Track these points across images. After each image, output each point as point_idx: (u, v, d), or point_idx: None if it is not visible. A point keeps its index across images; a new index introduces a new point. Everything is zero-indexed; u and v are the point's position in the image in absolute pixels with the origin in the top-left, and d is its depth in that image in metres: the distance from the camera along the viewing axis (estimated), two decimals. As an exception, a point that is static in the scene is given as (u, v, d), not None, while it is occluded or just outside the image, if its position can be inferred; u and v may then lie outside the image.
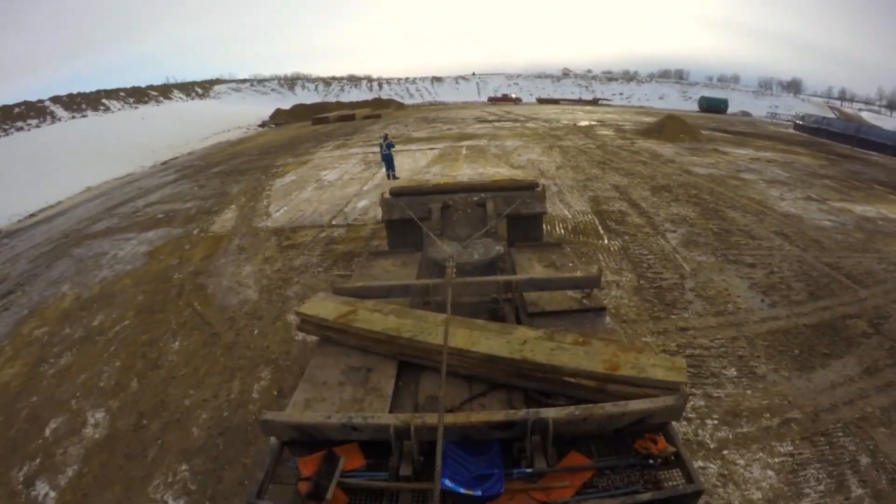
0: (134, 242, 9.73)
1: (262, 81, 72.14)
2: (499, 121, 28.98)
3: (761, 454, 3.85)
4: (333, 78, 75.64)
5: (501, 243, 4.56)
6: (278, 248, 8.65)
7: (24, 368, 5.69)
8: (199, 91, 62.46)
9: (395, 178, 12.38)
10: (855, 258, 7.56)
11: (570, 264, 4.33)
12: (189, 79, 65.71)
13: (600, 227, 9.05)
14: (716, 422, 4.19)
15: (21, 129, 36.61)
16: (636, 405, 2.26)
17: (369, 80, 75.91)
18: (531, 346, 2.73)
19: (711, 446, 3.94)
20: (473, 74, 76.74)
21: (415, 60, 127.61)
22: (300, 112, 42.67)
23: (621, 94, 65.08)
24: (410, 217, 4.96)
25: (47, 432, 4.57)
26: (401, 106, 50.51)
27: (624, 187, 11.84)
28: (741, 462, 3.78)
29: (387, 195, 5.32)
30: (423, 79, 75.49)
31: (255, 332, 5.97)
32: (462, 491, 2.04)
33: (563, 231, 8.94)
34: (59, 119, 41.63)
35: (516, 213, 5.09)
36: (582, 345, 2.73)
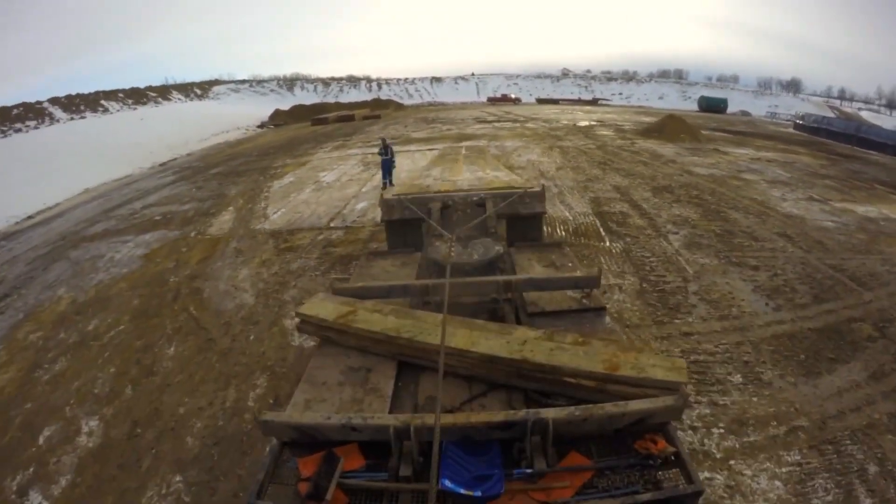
0: (131, 245, 9.67)
1: (260, 82, 72.25)
2: (498, 121, 28.98)
3: (769, 464, 3.77)
4: (332, 78, 75.77)
5: (501, 243, 4.58)
6: (276, 250, 8.56)
7: (19, 374, 5.62)
8: (198, 92, 62.52)
9: (390, 184, 11.97)
10: (858, 260, 7.50)
11: (570, 264, 4.34)
12: (188, 79, 65.93)
13: (602, 229, 8.96)
14: (722, 430, 4.11)
15: (19, 130, 36.62)
16: (636, 405, 2.25)
17: (368, 80, 76.02)
18: (531, 346, 2.73)
19: (718, 456, 3.86)
20: (473, 75, 76.87)
21: (415, 60, 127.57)
22: (299, 113, 42.67)
23: (621, 94, 65.15)
24: (410, 217, 4.99)
25: (41, 440, 4.51)
26: (400, 106, 50.56)
27: (625, 188, 11.76)
28: (748, 472, 3.71)
29: (387, 195, 5.33)
30: (422, 79, 75.59)
31: (252, 337, 5.87)
32: (462, 491, 2.04)
33: (563, 233, 8.85)
34: (58, 120, 41.63)
35: (516, 213, 5.09)
36: (582, 345, 2.72)
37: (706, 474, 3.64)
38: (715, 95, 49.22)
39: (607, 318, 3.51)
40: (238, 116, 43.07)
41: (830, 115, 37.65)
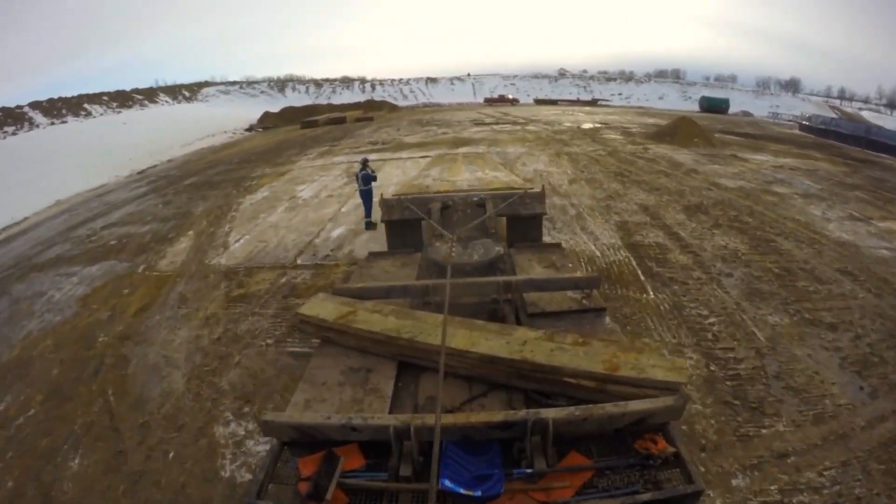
0: (75, 280, 8.75)
1: (251, 83, 72.56)
2: (497, 123, 28.80)
3: None
4: (325, 79, 76.21)
5: (501, 244, 4.66)
6: (225, 300, 7.32)
7: None
8: (187, 94, 62.68)
9: (371, 225, 9.64)
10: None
11: (570, 265, 4.43)
12: (184, 82, 66.04)
13: (640, 271, 7.56)
14: None
15: (-3, 136, 36.41)
16: (636, 405, 2.30)
17: (362, 81, 76.53)
18: (531, 346, 2.79)
19: None
20: (469, 75, 77.51)
21: (413, 60, 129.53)
22: (289, 115, 42.86)
23: (620, 94, 65.93)
24: (410, 217, 5.09)
25: None
26: (394, 108, 50.84)
27: (653, 208, 10.64)
28: None
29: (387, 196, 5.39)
30: (417, 80, 76.23)
31: (171, 454, 4.50)
32: (462, 491, 2.08)
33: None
34: (38, 125, 41.50)
35: (516, 213, 5.17)
36: (582, 345, 2.78)
37: None
38: (716, 95, 49.84)
39: (607, 319, 3.54)
40: (226, 119, 42.83)
41: (832, 115, 38.21)
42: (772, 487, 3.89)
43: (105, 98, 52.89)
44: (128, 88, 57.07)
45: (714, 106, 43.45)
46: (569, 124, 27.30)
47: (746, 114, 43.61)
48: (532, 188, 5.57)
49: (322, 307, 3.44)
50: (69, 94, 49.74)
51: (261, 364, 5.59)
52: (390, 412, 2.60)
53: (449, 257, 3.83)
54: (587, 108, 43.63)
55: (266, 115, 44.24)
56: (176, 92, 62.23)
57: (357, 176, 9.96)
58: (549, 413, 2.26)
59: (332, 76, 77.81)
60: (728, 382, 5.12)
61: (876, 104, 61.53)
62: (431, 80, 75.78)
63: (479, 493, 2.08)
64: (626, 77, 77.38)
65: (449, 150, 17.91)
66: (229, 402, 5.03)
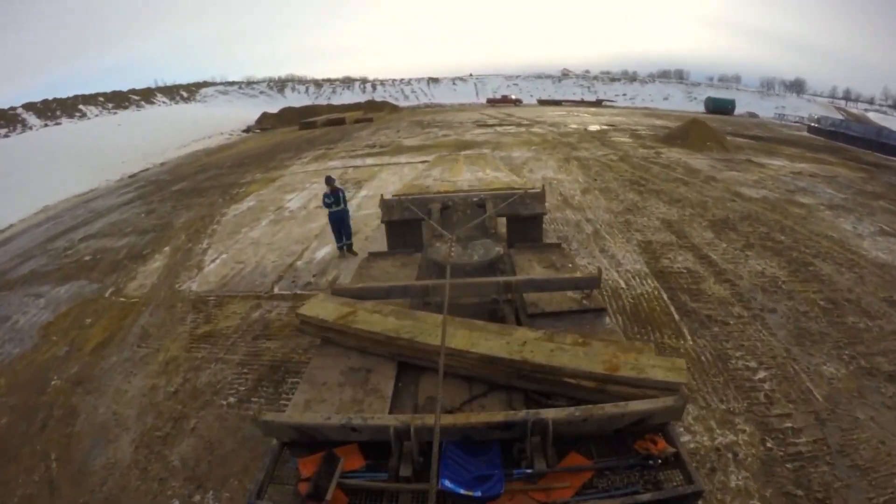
0: (41, 304, 8.34)
1: (251, 84, 72.93)
2: (500, 125, 28.64)
3: None
4: (326, 80, 76.62)
5: (501, 244, 4.70)
6: (189, 338, 6.68)
7: None
8: (184, 95, 63.04)
9: (350, 250, 8.86)
10: None
11: (570, 265, 4.46)
12: (183, 82, 66.42)
13: (672, 307, 6.61)
14: None
15: (-10, 138, 36.60)
16: (636, 406, 2.33)
17: (363, 81, 76.89)
18: (531, 346, 2.81)
19: None
20: (471, 75, 77.85)
21: (414, 60, 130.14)
22: (288, 116, 43.07)
23: (624, 94, 66.16)
24: (410, 218, 5.13)
25: None
26: (395, 108, 51.03)
27: (677, 224, 9.88)
28: None
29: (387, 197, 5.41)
30: (418, 80, 76.56)
31: None
32: (462, 492, 2.10)
33: (621, 318, 6.34)
34: (31, 127, 41.75)
35: (516, 213, 5.23)
36: (582, 346, 2.82)
37: None
38: (721, 96, 50.01)
39: (607, 319, 3.58)
40: (224, 120, 42.86)
41: (839, 116, 38.32)
42: None
43: (101, 99, 53.23)
44: (126, 89, 57.45)
45: (720, 107, 43.60)
46: (575, 126, 27.13)
47: (752, 115, 43.74)
48: (532, 188, 5.62)
49: (322, 307, 3.47)
50: (67, 95, 50.10)
51: (219, 433, 4.80)
52: (390, 412, 2.64)
53: (449, 257, 3.87)
54: (592, 109, 43.59)
55: (264, 115, 44.47)
56: (173, 92, 62.63)
57: (324, 196, 8.62)
58: (549, 413, 2.29)
59: (332, 76, 78.40)
60: (788, 465, 4.23)
61: (881, 105, 61.60)
62: (433, 81, 76.14)
63: (479, 494, 2.09)
64: (630, 77, 77.68)
65: (450, 153, 17.79)
66: (178, 484, 4.29)
